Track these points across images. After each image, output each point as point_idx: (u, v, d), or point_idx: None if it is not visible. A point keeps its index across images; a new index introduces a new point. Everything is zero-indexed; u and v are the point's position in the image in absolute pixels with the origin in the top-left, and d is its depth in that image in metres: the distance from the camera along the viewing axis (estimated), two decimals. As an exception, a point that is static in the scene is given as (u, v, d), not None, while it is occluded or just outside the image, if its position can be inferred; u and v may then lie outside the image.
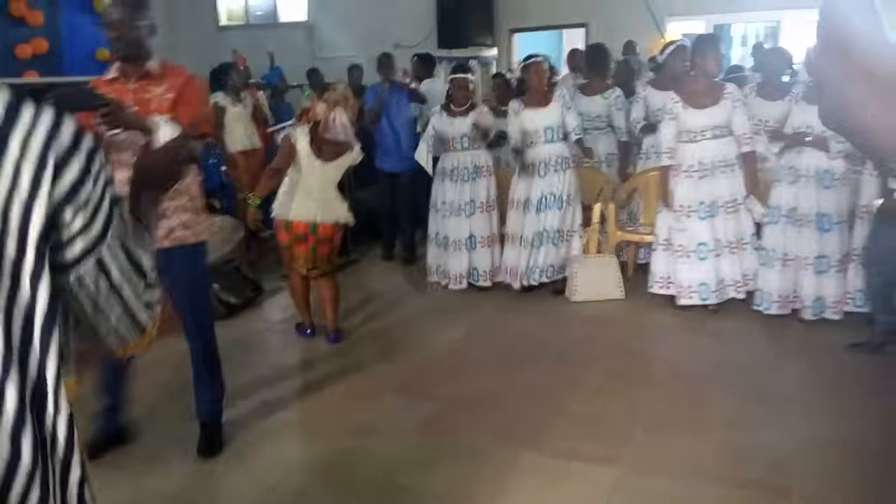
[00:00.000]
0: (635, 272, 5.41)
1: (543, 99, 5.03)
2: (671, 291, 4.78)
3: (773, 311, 4.47)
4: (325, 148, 4.25)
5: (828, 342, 4.17)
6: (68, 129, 0.98)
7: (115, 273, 1.06)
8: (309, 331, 4.69)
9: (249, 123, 6.50)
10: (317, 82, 8.62)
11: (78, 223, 0.99)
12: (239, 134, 6.35)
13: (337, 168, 4.35)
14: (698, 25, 9.02)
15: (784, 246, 4.42)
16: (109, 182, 1.05)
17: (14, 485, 0.98)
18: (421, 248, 6.16)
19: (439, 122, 5.33)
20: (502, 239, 5.38)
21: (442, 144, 5.42)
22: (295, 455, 3.30)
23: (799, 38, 8.58)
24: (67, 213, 0.98)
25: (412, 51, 7.29)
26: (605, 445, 3.21)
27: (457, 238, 5.33)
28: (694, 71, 4.64)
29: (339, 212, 4.36)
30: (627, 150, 5.76)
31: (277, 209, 4.34)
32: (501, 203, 5.39)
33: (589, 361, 4.12)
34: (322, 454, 3.26)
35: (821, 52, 0.86)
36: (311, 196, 4.24)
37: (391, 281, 5.83)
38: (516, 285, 5.21)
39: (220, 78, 6.44)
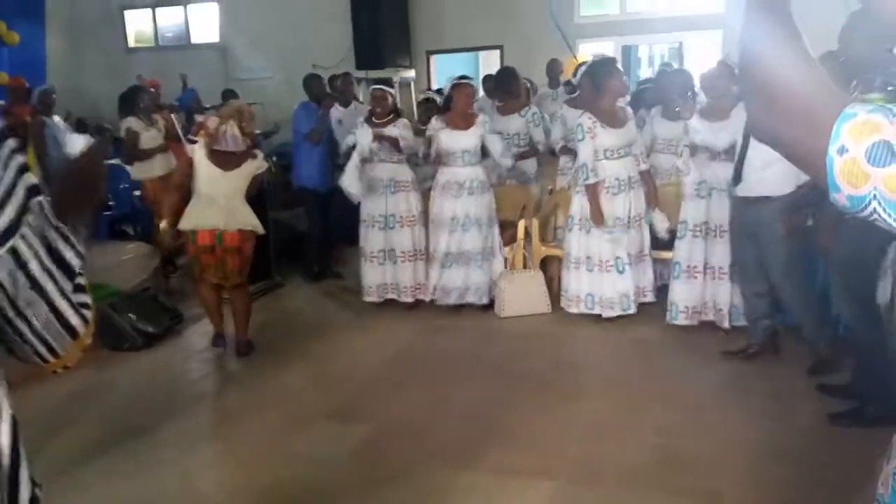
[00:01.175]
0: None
1: (466, 122, 5.08)
2: (585, 309, 4.87)
3: (681, 321, 4.56)
4: (223, 158, 4.36)
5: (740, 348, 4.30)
6: None
7: (33, 265, 0.99)
8: (223, 342, 4.67)
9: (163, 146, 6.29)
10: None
11: None
12: (157, 158, 6.15)
13: (240, 176, 4.40)
14: (608, 46, 9.32)
15: (690, 259, 4.51)
16: (23, 170, 1.00)
17: None
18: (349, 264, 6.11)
19: (362, 134, 5.25)
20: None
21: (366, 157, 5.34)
22: (227, 487, 3.16)
23: (699, 57, 9.02)
24: None
25: (329, 72, 7.23)
26: (541, 459, 3.22)
27: (377, 251, 5.30)
28: (602, 92, 4.74)
29: (246, 219, 4.39)
30: (538, 164, 5.91)
31: (183, 222, 4.38)
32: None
33: (520, 376, 4.14)
34: (256, 484, 3.14)
35: (744, 66, 0.90)
36: (214, 205, 4.31)
37: (317, 302, 5.73)
38: (445, 301, 5.21)
39: (130, 101, 6.23)
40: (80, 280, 1.08)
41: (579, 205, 4.82)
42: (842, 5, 3.62)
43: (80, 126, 7.95)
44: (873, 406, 3.28)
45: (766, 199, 3.79)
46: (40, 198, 1.02)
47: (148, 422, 3.72)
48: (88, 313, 1.08)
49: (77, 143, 1.30)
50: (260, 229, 4.46)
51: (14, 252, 0.97)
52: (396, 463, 3.24)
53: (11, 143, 0.99)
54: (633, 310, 4.78)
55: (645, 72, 11.07)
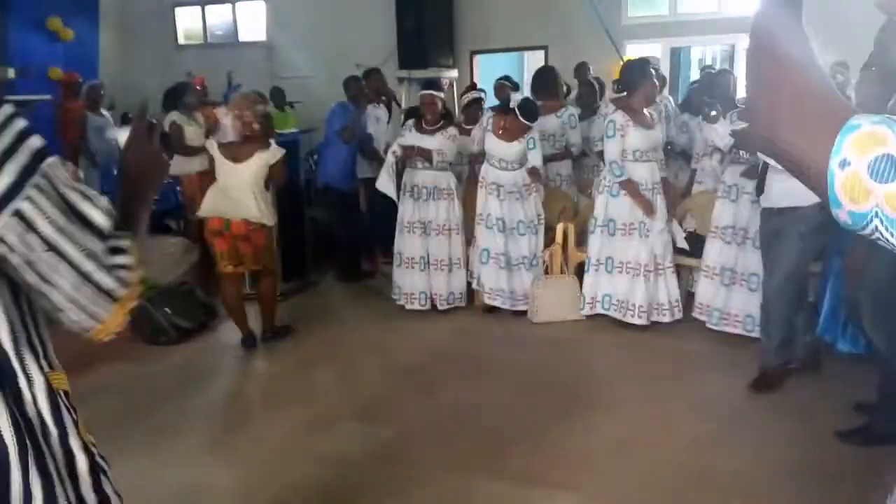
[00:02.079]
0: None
1: (513, 134, 5.02)
2: (601, 310, 4.85)
3: (721, 327, 4.51)
4: (233, 150, 4.48)
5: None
6: None
7: (44, 228, 0.96)
8: (252, 341, 4.70)
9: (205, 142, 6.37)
10: (280, 101, 8.55)
11: None
12: (198, 155, 6.23)
13: (250, 168, 4.44)
14: (656, 48, 9.16)
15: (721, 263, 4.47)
16: (24, 135, 0.98)
17: (11, 477, 0.92)
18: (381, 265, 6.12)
19: (409, 138, 5.23)
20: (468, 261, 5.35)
21: (407, 161, 5.32)
22: (248, 483, 3.17)
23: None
24: None
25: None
26: (566, 470, 3.15)
27: (414, 257, 5.26)
28: (635, 92, 4.65)
29: (249, 211, 4.44)
30: (574, 168, 5.83)
31: (200, 210, 4.58)
32: (468, 225, 5.35)
33: (549, 384, 4.07)
34: (277, 482, 3.14)
35: (749, 69, 0.84)
36: (224, 195, 4.44)
37: (349, 302, 5.73)
38: (487, 302, 5.18)
39: (175, 97, 6.33)
40: (118, 242, 1.04)
41: (603, 206, 4.74)
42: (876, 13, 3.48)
43: (124, 120, 8.13)
44: (884, 424, 3.21)
45: (792, 209, 3.63)
46: (51, 159, 1.00)
47: (176, 415, 3.77)
48: (127, 274, 1.04)
49: (122, 137, 1.29)
50: (266, 220, 4.50)
51: (21, 215, 0.95)
52: (418, 467, 3.20)
53: (7, 108, 0.98)
54: (666, 318, 4.76)
55: (696, 75, 10.85)
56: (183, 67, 9.28)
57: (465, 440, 3.45)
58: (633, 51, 8.86)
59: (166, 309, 4.84)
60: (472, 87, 6.70)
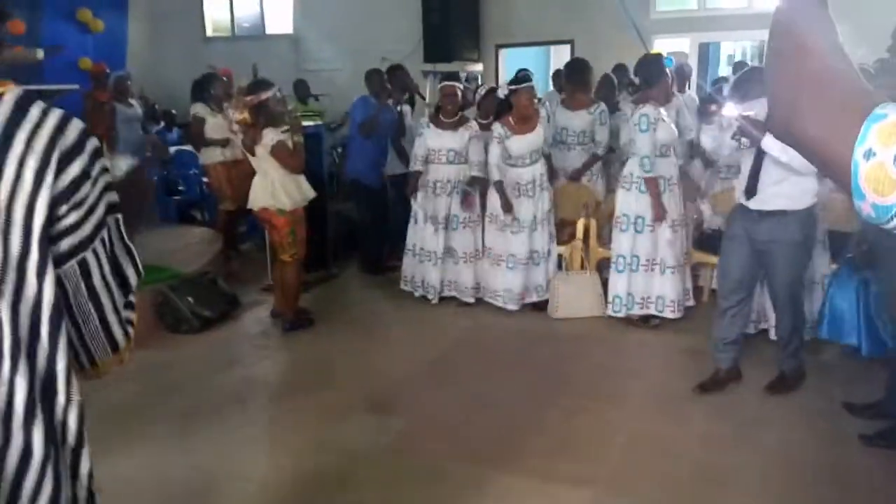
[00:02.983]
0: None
1: (529, 125, 5.00)
2: (624, 309, 4.80)
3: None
4: (245, 145, 4.72)
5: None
6: (75, 128, 1.00)
7: (96, 278, 1.05)
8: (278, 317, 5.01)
9: (230, 135, 6.42)
10: (303, 93, 8.58)
11: (70, 220, 0.99)
12: (218, 145, 6.28)
13: (259, 159, 4.62)
14: (684, 43, 9.05)
15: None
16: (107, 188, 1.06)
17: (27, 478, 0.99)
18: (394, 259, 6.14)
19: (429, 136, 5.23)
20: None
21: (428, 157, 5.31)
22: (261, 471, 3.20)
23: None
24: (62, 208, 0.98)
25: (395, 63, 7.24)
26: (581, 466, 3.14)
27: (435, 251, 5.26)
28: (655, 87, 4.58)
29: (255, 200, 4.69)
30: (603, 163, 5.73)
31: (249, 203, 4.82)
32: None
33: (566, 379, 4.05)
34: (289, 470, 3.16)
35: (772, 55, 0.81)
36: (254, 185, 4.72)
37: (369, 295, 5.75)
38: (498, 303, 5.16)
39: (202, 89, 6.38)
40: (133, 297, 1.14)
41: (631, 202, 4.68)
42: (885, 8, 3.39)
43: (151, 112, 8.22)
44: None
45: (783, 213, 3.51)
46: (117, 215, 1.08)
47: (195, 402, 3.81)
48: (132, 330, 1.14)
49: (122, 165, 1.40)
50: (270, 205, 4.61)
51: (83, 264, 1.02)
52: (431, 460, 3.20)
53: (104, 161, 1.05)
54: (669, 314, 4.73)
55: (724, 70, 10.70)
56: (210, 60, 9.35)
57: (478, 433, 3.45)
58: (661, 45, 8.76)
59: (189, 298, 4.89)
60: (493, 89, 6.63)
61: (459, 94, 5.30)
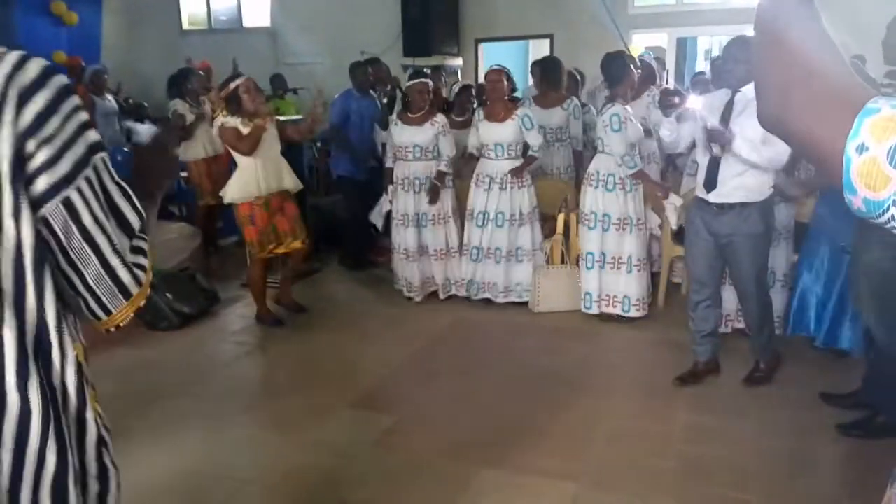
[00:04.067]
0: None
1: (504, 112, 4.99)
2: (593, 307, 4.85)
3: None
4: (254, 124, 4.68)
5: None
6: (35, 65, 0.98)
7: (86, 218, 1.02)
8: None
9: (211, 129, 6.36)
10: (280, 88, 8.51)
11: (41, 156, 0.97)
12: (200, 141, 6.22)
13: (271, 136, 4.68)
14: (662, 38, 9.11)
15: None
16: (85, 126, 1.03)
17: (29, 439, 0.98)
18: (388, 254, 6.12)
19: (396, 133, 5.21)
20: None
21: (397, 153, 5.27)
22: (248, 470, 3.18)
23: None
24: (30, 145, 0.96)
25: (375, 57, 7.21)
26: (564, 460, 3.16)
27: (411, 249, 5.25)
28: (622, 85, 4.59)
29: (289, 179, 4.78)
30: (582, 160, 5.74)
31: (228, 196, 4.76)
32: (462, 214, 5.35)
33: (548, 374, 4.08)
34: (276, 468, 3.15)
35: (759, 45, 0.81)
36: (264, 170, 4.66)
37: (352, 290, 5.74)
38: (475, 296, 5.18)
39: (178, 84, 6.31)
40: (140, 243, 1.11)
41: (592, 198, 4.72)
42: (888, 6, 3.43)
43: (125, 106, 8.10)
44: (885, 416, 3.22)
45: (743, 205, 3.54)
46: (102, 154, 1.06)
47: (175, 400, 3.79)
48: (142, 275, 1.10)
49: (144, 132, 1.41)
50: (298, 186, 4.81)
51: (68, 204, 0.99)
52: (417, 456, 3.21)
53: (75, 99, 1.02)
54: (634, 313, 4.78)
55: (701, 65, 10.77)
56: (187, 53, 9.24)
57: (463, 429, 3.46)
58: (640, 40, 8.82)
59: (168, 294, 4.85)
60: (468, 86, 6.62)
61: (429, 91, 5.27)
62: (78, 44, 9.19)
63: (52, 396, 1.01)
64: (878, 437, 3.17)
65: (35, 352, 0.99)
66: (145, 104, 9.22)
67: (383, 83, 6.45)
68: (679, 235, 5.01)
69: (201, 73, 7.03)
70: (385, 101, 6.34)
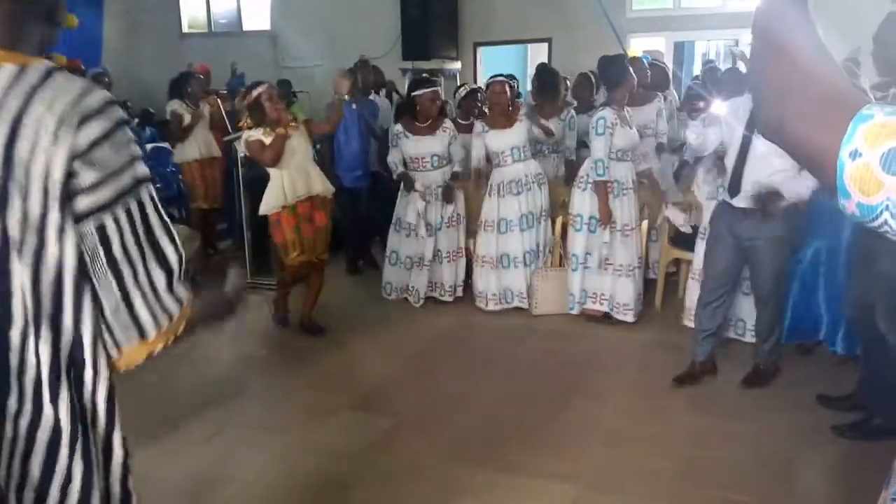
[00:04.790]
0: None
1: (507, 120, 5.01)
2: (578, 307, 4.87)
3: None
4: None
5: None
6: (98, 95, 1.02)
7: (115, 247, 1.02)
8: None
9: (207, 132, 6.39)
10: (285, 92, 8.51)
11: (87, 179, 0.99)
12: (197, 142, 6.24)
13: (301, 139, 4.55)
14: (660, 42, 9.14)
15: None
16: (135, 159, 1.05)
17: (59, 454, 0.98)
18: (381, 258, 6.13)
19: (405, 145, 5.20)
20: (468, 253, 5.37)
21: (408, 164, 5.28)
22: (245, 473, 3.19)
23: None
24: (78, 165, 0.98)
25: (377, 61, 7.24)
26: (562, 462, 3.17)
27: (420, 256, 5.24)
28: (618, 89, 4.60)
29: (319, 183, 4.59)
30: (573, 170, 5.75)
31: (263, 208, 4.61)
32: (469, 215, 5.37)
33: (547, 376, 4.10)
34: (273, 473, 3.17)
35: (755, 52, 0.83)
36: (296, 175, 4.51)
37: (350, 294, 5.75)
38: (487, 307, 5.17)
39: (179, 86, 6.34)
40: (181, 292, 1.10)
41: (580, 201, 4.73)
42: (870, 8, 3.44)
43: (126, 109, 8.08)
44: (881, 418, 3.23)
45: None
46: (150, 187, 1.08)
47: (172, 404, 3.79)
48: (165, 320, 1.08)
49: (233, 281, 1.40)
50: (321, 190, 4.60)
51: (102, 230, 1.00)
52: (415, 458, 3.23)
53: (128, 133, 1.06)
54: (622, 317, 4.79)
55: (699, 69, 10.80)
56: (187, 56, 9.28)
57: (461, 431, 3.47)
58: (638, 44, 8.85)
59: (168, 297, 4.85)
60: (475, 90, 6.61)
61: (439, 98, 5.27)
62: (78, 47, 9.17)
63: (82, 415, 1.01)
64: (874, 439, 3.18)
65: (67, 369, 1.00)
66: (151, 110, 9.24)
67: (369, 87, 6.41)
68: (677, 239, 5.03)
69: (201, 76, 7.06)
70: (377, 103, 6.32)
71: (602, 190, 4.59)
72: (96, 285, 1.02)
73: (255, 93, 4.39)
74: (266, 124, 4.35)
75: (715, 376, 3.97)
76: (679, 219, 4.77)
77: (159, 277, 1.07)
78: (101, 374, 1.04)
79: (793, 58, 0.78)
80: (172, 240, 1.10)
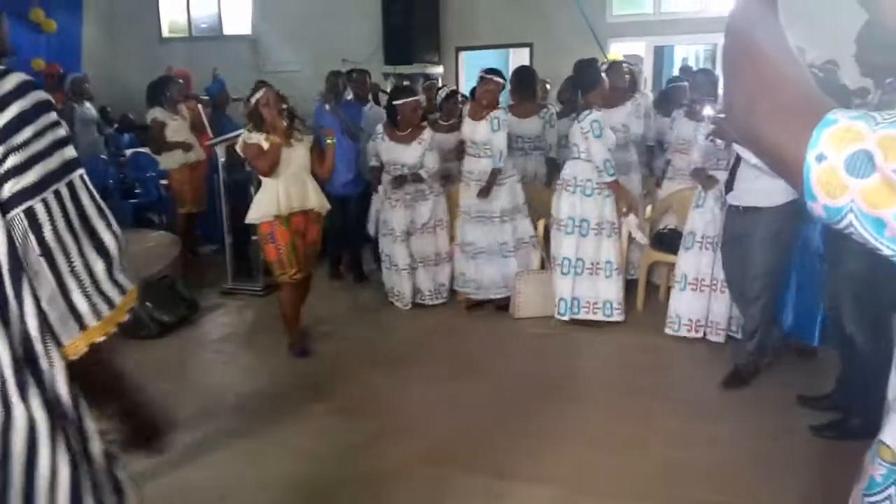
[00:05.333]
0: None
1: (480, 113, 5.04)
2: (570, 314, 4.86)
3: (683, 333, 4.48)
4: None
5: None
6: (14, 78, 0.99)
7: (47, 233, 0.98)
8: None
9: (190, 137, 6.35)
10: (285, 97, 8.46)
11: (8, 163, 0.95)
12: (183, 147, 6.21)
13: (299, 152, 4.34)
14: (639, 46, 9.22)
15: (698, 271, 4.40)
16: (62, 142, 1.02)
17: (39, 452, 0.96)
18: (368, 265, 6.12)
19: (384, 149, 5.21)
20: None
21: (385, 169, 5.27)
22: (226, 479, 3.17)
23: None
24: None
25: (359, 66, 7.23)
26: (544, 465, 3.18)
27: (404, 261, 5.25)
28: (597, 92, 4.65)
29: (314, 198, 4.39)
30: (555, 167, 5.78)
31: (250, 216, 4.41)
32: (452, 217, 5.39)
33: (527, 380, 4.10)
34: (255, 478, 3.14)
35: (727, 56, 0.85)
36: (290, 185, 4.31)
37: (333, 300, 5.73)
38: (471, 294, 5.22)
39: (158, 92, 6.29)
40: (122, 279, 1.06)
41: (569, 204, 4.75)
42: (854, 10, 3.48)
43: (102, 114, 8.03)
44: (858, 418, 3.26)
45: (755, 209, 3.66)
46: (81, 171, 1.04)
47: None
48: (105, 308, 1.04)
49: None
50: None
51: (31, 215, 0.97)
52: (397, 462, 3.22)
53: (53, 115, 1.02)
54: (617, 318, 4.82)
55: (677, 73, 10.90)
56: (167, 61, 9.22)
57: (442, 435, 3.47)
58: (618, 49, 8.91)
59: (147, 303, 4.81)
60: (455, 92, 6.61)
61: (420, 107, 5.28)
62: (57, 51, 9.13)
63: (51, 409, 0.99)
64: (852, 438, 3.21)
65: (27, 364, 0.97)
66: (130, 115, 9.18)
67: (366, 95, 6.41)
68: (658, 241, 5.06)
69: (180, 80, 7.02)
70: (369, 107, 6.31)
71: (616, 187, 4.67)
72: (30, 274, 0.98)
73: (253, 99, 4.27)
74: (266, 129, 4.22)
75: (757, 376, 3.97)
76: (637, 233, 4.82)
77: (97, 264, 1.03)
78: (56, 365, 1.00)
79: (763, 62, 0.79)
80: (109, 225, 1.06)
